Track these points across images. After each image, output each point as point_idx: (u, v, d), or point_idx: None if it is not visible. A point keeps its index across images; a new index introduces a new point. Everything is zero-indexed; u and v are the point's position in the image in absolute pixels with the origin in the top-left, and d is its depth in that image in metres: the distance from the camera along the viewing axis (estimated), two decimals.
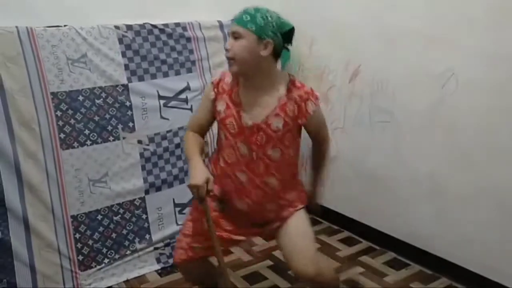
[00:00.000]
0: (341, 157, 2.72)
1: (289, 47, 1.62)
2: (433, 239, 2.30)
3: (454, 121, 2.11)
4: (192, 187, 1.54)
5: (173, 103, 2.47)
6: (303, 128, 1.68)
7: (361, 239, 2.70)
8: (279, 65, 1.61)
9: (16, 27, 2.05)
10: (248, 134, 1.61)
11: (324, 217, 2.94)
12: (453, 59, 2.06)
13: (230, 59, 1.54)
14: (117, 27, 2.32)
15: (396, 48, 2.30)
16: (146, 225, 2.41)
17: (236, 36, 1.51)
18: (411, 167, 2.34)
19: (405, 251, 2.46)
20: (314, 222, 2.92)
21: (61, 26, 2.17)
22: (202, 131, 1.75)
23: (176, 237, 2.08)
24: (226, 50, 1.54)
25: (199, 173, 1.55)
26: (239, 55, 1.51)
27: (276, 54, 1.56)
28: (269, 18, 1.51)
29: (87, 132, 2.23)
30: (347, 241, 2.71)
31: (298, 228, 1.72)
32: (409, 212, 2.40)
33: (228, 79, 1.66)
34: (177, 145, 2.50)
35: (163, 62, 2.44)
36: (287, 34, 1.57)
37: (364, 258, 2.52)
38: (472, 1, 1.95)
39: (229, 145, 1.65)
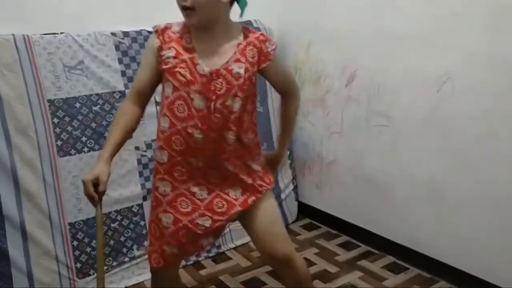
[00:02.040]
0: (339, 161, 2.73)
1: None
2: (432, 243, 2.30)
3: (452, 125, 2.11)
4: (83, 183, 1.43)
5: None
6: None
7: (360, 243, 2.70)
8: (236, 12, 1.51)
9: (13, 34, 2.05)
10: (205, 82, 1.46)
11: (322, 221, 2.94)
12: (449, 62, 2.07)
13: (188, 9, 1.39)
14: (113, 34, 2.32)
15: (392, 51, 2.31)
16: (144, 231, 2.40)
17: None
18: (409, 170, 2.34)
19: (404, 255, 2.46)
20: (312, 227, 2.93)
21: (57, 34, 2.18)
22: (143, 98, 1.57)
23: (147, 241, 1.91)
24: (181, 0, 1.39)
25: (95, 168, 1.44)
26: (200, 3, 1.38)
27: (232, 2, 1.48)
28: None
29: (84, 139, 2.23)
30: (345, 246, 2.70)
31: (269, 212, 1.63)
32: (408, 216, 2.40)
33: (176, 27, 1.51)
34: None
35: None
36: None
37: (363, 262, 2.51)
38: (469, 4, 1.96)
39: (179, 97, 1.48)
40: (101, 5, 2.33)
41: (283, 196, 2.91)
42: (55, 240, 2.16)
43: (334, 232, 2.86)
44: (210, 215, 1.58)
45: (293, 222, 2.99)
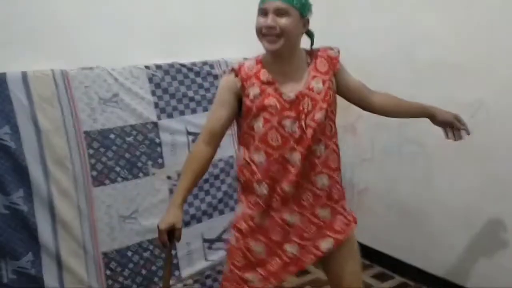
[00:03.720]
0: (370, 189, 2.68)
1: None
2: (470, 273, 2.21)
3: (487, 152, 2.06)
4: (158, 229, 1.48)
5: None
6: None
7: (393, 275, 2.62)
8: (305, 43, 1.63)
9: (52, 70, 2.15)
10: (293, 106, 1.55)
11: None
12: (481, 89, 2.03)
13: (276, 36, 1.49)
14: (147, 67, 2.40)
15: (423, 78, 2.29)
16: (175, 261, 2.41)
17: (281, 12, 1.48)
18: (443, 198, 2.28)
19: (440, 287, 2.37)
20: None
21: (93, 68, 2.27)
22: (217, 138, 1.61)
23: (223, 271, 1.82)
24: (269, 27, 1.48)
25: (168, 216, 1.48)
26: (288, 31, 1.48)
27: (307, 32, 1.60)
28: None
29: (118, 169, 2.28)
30: (380, 277, 2.63)
31: (355, 252, 1.69)
32: (443, 246, 2.32)
33: (249, 64, 1.60)
34: (206, 180, 2.52)
35: (191, 99, 2.50)
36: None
37: None
38: (502, 31, 1.94)
39: (271, 128, 1.54)
40: (135, 39, 2.42)
41: None
42: (89, 269, 2.19)
43: (367, 262, 2.79)
44: (299, 241, 1.62)
45: None
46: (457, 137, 1.75)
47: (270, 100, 1.54)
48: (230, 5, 2.66)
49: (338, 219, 1.66)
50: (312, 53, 1.63)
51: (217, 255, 2.54)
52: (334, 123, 1.64)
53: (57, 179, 2.12)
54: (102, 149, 2.25)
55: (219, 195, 2.55)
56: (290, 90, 1.56)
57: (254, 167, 1.58)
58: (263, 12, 1.51)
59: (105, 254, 2.23)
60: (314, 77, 1.58)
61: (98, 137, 2.24)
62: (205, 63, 2.57)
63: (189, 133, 2.48)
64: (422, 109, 1.78)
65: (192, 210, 2.47)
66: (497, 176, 2.04)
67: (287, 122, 1.54)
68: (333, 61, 1.63)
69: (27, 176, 2.05)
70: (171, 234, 1.48)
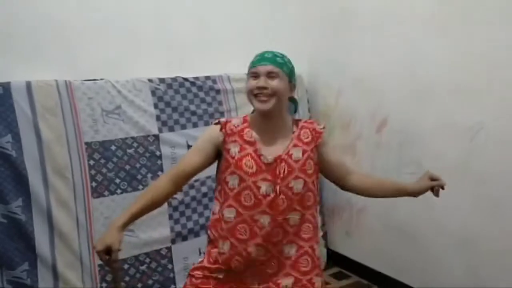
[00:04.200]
0: (369, 208, 2.68)
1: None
2: None
3: (485, 174, 2.07)
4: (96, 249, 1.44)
5: None
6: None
7: None
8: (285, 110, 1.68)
9: (56, 80, 2.16)
10: (270, 169, 1.57)
11: (352, 270, 2.87)
12: (482, 112, 2.05)
13: (269, 96, 1.54)
14: (150, 80, 2.41)
15: (424, 99, 2.31)
16: (171, 275, 2.40)
17: (272, 75, 1.55)
18: (441, 219, 2.28)
19: None
20: (342, 276, 2.86)
21: (97, 80, 2.28)
22: (183, 179, 1.63)
23: None
24: (262, 87, 1.54)
25: (106, 238, 1.44)
26: (279, 92, 1.55)
27: (291, 99, 1.68)
28: (292, 65, 1.63)
29: (117, 181, 2.28)
30: None
31: None
32: (440, 267, 2.32)
33: (236, 121, 1.64)
34: (204, 194, 2.52)
35: (193, 113, 2.51)
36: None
37: None
38: (502, 55, 1.96)
39: (246, 187, 1.56)
40: (139, 53, 2.45)
41: None
42: (85, 281, 2.18)
43: (365, 282, 2.78)
44: None
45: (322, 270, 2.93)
46: (435, 193, 1.78)
47: (248, 161, 1.57)
48: (233, 21, 2.70)
49: (304, 259, 1.63)
50: (297, 123, 1.67)
51: None
52: (315, 194, 1.64)
53: (56, 189, 2.12)
54: (102, 160, 2.25)
55: None
56: (270, 153, 1.58)
57: (222, 223, 1.59)
58: (254, 75, 1.57)
59: (101, 266, 2.22)
60: (295, 145, 1.61)
61: (99, 148, 2.25)
62: (207, 77, 2.59)
63: (189, 147, 2.48)
64: (399, 191, 1.77)
65: (190, 224, 2.47)
66: (494, 198, 2.05)
67: (262, 185, 1.56)
68: (316, 134, 1.65)
69: (26, 185, 2.05)
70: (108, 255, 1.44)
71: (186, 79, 2.52)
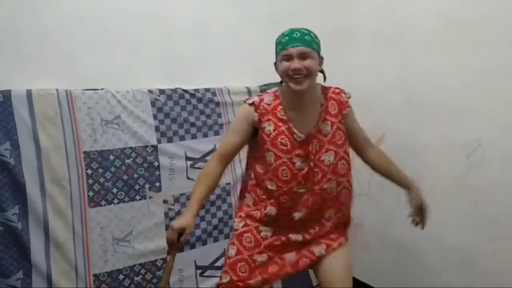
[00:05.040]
0: (366, 224, 2.68)
1: None
2: None
3: (483, 192, 2.08)
4: (169, 227, 1.63)
5: (199, 164, 2.51)
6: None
7: None
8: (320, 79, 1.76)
9: (56, 89, 2.18)
10: (303, 146, 1.69)
11: None
12: (479, 130, 2.06)
13: (304, 76, 1.62)
14: (150, 91, 2.43)
15: (421, 117, 2.32)
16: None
17: (305, 56, 1.62)
18: (439, 236, 2.28)
19: None
20: None
21: (98, 89, 2.29)
22: (229, 159, 1.78)
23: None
24: (297, 69, 1.61)
25: (183, 219, 1.62)
26: (313, 71, 1.64)
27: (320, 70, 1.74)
28: (318, 39, 1.69)
29: (115, 190, 2.28)
30: None
31: (343, 260, 1.80)
32: (438, 284, 2.31)
33: (268, 98, 1.73)
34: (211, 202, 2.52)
35: (192, 124, 2.52)
36: None
37: None
38: (500, 73, 1.98)
39: (282, 164, 1.69)
40: (140, 64, 2.46)
41: None
42: None
43: None
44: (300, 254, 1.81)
45: (317, 285, 2.91)
46: (414, 222, 1.88)
47: (282, 139, 1.70)
48: (234, 34, 2.72)
49: (335, 232, 1.83)
50: (326, 93, 1.77)
51: (209, 283, 2.51)
52: (348, 161, 1.78)
53: (53, 198, 2.12)
54: (100, 170, 2.25)
55: (215, 221, 2.55)
56: (301, 130, 1.70)
57: (269, 192, 1.74)
58: (287, 57, 1.63)
59: (96, 277, 2.21)
60: (324, 120, 1.73)
61: (98, 158, 2.25)
62: (207, 90, 2.60)
63: (188, 158, 2.49)
64: (404, 182, 1.89)
65: None
66: (491, 215, 2.05)
67: (297, 161, 1.69)
68: (342, 106, 1.77)
69: (23, 194, 2.05)
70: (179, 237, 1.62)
71: (186, 91, 2.53)
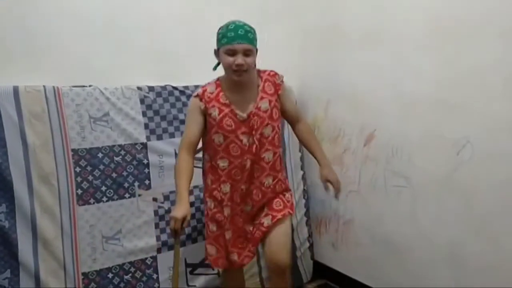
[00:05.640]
0: (356, 220, 2.69)
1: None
2: None
3: (472, 189, 2.09)
4: (171, 218, 1.86)
5: None
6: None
7: None
8: None
9: (44, 86, 2.15)
10: (246, 124, 1.97)
11: (338, 282, 2.86)
12: (468, 126, 2.07)
13: (244, 71, 1.90)
14: (139, 88, 2.41)
15: (411, 113, 2.33)
16: (156, 285, 2.37)
17: (247, 53, 1.88)
18: (428, 233, 2.29)
19: None
20: None
21: (86, 86, 2.27)
22: (194, 148, 2.02)
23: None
24: (240, 65, 1.87)
25: (182, 208, 1.87)
26: (252, 66, 1.93)
27: None
28: (256, 32, 1.94)
29: (104, 188, 2.26)
30: None
31: (283, 228, 2.06)
32: (426, 281, 2.32)
33: (210, 88, 2.00)
34: (191, 204, 2.50)
35: (182, 122, 2.51)
36: None
37: None
38: (489, 70, 1.99)
39: (231, 142, 1.98)
40: (129, 60, 2.44)
41: (298, 254, 2.86)
42: None
43: None
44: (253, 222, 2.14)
45: (308, 282, 2.92)
46: (330, 193, 2.23)
47: (227, 121, 1.96)
48: None
49: (277, 201, 2.10)
50: (261, 75, 2.05)
51: (199, 281, 2.51)
52: (279, 134, 2.08)
53: (41, 195, 2.09)
54: (89, 168, 2.23)
55: (204, 219, 2.53)
56: (242, 111, 1.98)
57: (219, 171, 2.03)
58: (231, 51, 1.87)
59: (85, 275, 2.19)
60: (262, 98, 2.01)
61: (86, 156, 2.23)
62: (197, 87, 2.58)
63: (177, 155, 2.47)
64: (319, 158, 2.20)
65: None
66: (479, 212, 2.06)
67: (243, 137, 1.98)
68: (277, 87, 2.06)
69: (11, 191, 2.03)
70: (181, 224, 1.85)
71: (175, 88, 2.51)
